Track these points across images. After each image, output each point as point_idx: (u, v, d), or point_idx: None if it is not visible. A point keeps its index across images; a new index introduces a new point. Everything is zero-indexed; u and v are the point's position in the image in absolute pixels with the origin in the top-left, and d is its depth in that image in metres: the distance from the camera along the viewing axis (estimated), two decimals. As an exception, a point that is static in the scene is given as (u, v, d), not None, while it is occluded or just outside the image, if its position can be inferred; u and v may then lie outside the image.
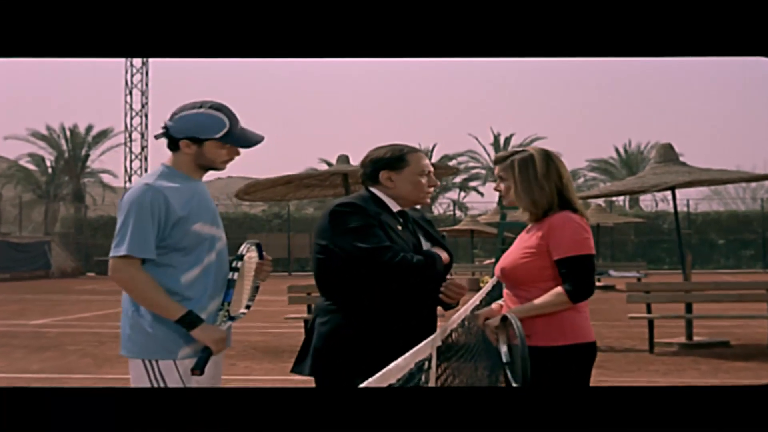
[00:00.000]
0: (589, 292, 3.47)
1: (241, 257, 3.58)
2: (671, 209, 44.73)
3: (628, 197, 46.64)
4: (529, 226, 3.67)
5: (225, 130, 3.51)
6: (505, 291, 3.72)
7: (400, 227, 3.60)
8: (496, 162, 3.70)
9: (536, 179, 3.57)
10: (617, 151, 55.67)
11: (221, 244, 3.60)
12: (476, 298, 5.06)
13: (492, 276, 13.40)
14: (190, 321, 3.37)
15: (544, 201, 3.57)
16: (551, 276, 3.50)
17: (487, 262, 28.27)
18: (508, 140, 55.70)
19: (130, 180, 40.62)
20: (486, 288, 6.32)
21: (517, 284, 3.59)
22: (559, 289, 3.45)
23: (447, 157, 54.63)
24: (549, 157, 3.63)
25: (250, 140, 3.60)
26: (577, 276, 3.44)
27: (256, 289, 3.75)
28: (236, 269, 3.55)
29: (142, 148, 41.40)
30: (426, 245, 3.69)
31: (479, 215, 35.61)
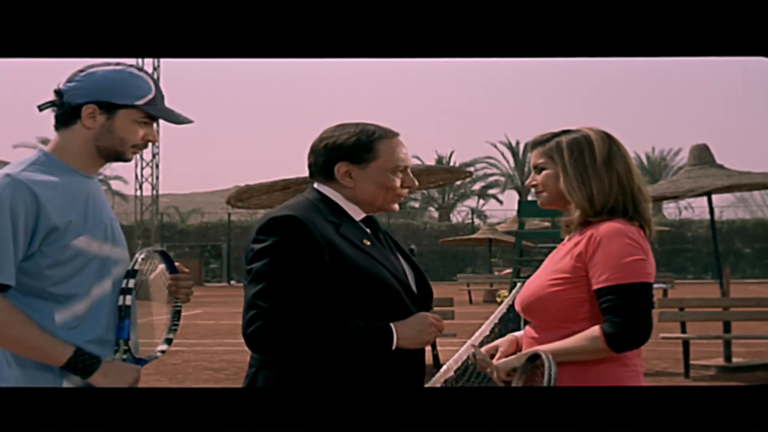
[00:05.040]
0: (640, 338, 2.44)
1: (133, 273, 2.53)
2: (695, 217, 44.79)
3: (650, 204, 45.60)
4: (567, 238, 2.62)
5: (150, 96, 2.50)
6: (526, 332, 2.66)
7: (368, 242, 2.54)
8: (534, 145, 2.66)
9: (594, 166, 2.54)
10: (639, 158, 54.66)
11: (120, 270, 2.55)
12: (485, 328, 4.03)
13: (513, 287, 12.53)
14: (83, 364, 2.38)
15: (602, 197, 2.55)
16: (592, 314, 2.47)
17: (506, 272, 27.29)
18: (527, 147, 54.94)
19: (140, 187, 39.83)
20: (500, 310, 5.29)
21: (543, 324, 2.55)
22: (594, 330, 2.42)
23: (465, 164, 53.68)
24: (612, 139, 2.59)
25: (178, 117, 2.57)
26: (623, 313, 2.41)
27: (177, 315, 2.71)
28: (129, 291, 2.50)
29: (153, 155, 40.43)
30: (405, 266, 2.64)
31: (498, 223, 34.78)
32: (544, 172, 2.63)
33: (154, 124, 2.59)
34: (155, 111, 2.54)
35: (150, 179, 40.17)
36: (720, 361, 10.24)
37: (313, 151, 2.60)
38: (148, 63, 37.60)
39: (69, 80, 2.51)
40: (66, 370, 2.38)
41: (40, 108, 2.53)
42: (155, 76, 38.39)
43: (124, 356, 2.49)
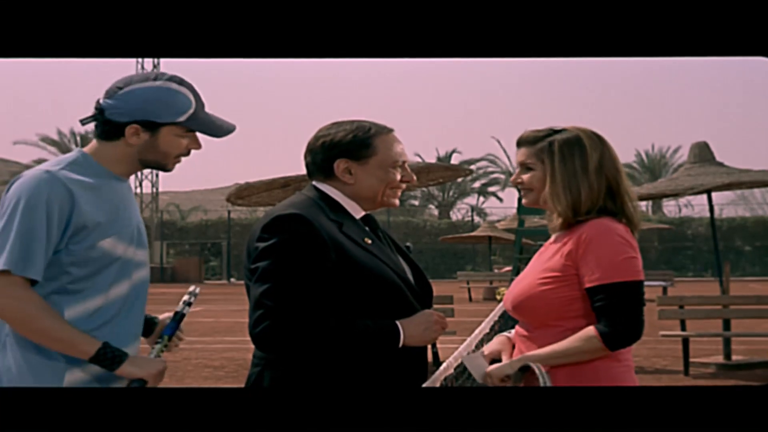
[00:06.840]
0: (634, 335, 2.45)
1: (195, 294, 2.72)
2: (695, 215, 44.73)
3: (651, 202, 45.54)
4: (555, 236, 2.62)
5: (191, 111, 2.54)
6: (517, 330, 2.67)
7: (369, 240, 2.55)
8: (523, 143, 2.63)
9: (585, 172, 2.52)
10: (639, 156, 54.60)
11: (141, 273, 2.59)
12: (485, 326, 4.02)
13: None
14: (112, 356, 2.43)
15: (590, 203, 2.54)
16: (582, 311, 2.47)
17: (506, 269, 27.30)
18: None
19: (140, 185, 39.81)
20: (500, 307, 5.29)
21: (534, 322, 2.55)
22: (590, 330, 2.43)
23: (466, 162, 53.64)
24: (602, 142, 2.57)
25: (221, 127, 2.60)
26: (617, 312, 2.41)
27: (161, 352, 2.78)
28: (189, 303, 2.68)
29: (153, 153, 40.48)
30: (404, 264, 2.65)
31: (498, 221, 34.79)
32: (531, 173, 2.61)
33: (197, 132, 2.64)
34: (197, 126, 2.58)
35: (150, 177, 40.14)
36: (720, 358, 10.24)
37: (311, 150, 2.61)
38: (148, 63, 37.64)
39: (109, 96, 2.54)
40: (94, 362, 2.43)
41: (83, 122, 2.58)
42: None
43: (164, 349, 2.62)
